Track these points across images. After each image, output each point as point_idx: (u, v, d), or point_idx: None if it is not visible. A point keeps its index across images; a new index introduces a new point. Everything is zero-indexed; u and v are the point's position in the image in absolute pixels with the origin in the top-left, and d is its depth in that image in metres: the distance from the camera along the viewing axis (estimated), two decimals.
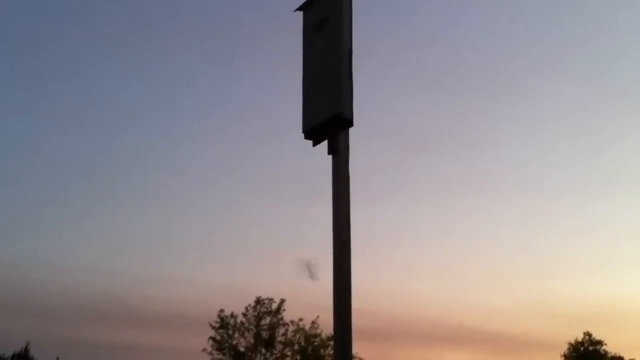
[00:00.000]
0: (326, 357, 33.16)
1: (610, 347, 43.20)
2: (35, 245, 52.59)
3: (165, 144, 57.86)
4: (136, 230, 53.96)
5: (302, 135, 4.59)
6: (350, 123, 4.34)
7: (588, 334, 43.61)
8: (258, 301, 34.33)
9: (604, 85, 59.77)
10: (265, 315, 34.23)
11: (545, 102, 60.83)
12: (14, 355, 37.69)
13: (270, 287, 38.73)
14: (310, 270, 4.36)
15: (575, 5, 61.02)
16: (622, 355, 43.16)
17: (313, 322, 34.24)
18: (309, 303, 38.31)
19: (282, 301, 34.29)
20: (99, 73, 60.48)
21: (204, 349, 33.95)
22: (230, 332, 34.11)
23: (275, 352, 33.95)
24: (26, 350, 36.33)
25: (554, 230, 57.47)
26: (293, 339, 34.28)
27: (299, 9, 4.82)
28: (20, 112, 57.72)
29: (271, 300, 34.32)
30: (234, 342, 33.89)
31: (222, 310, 34.30)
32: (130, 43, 59.04)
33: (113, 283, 47.67)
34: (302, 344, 34.03)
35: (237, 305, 34.62)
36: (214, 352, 33.78)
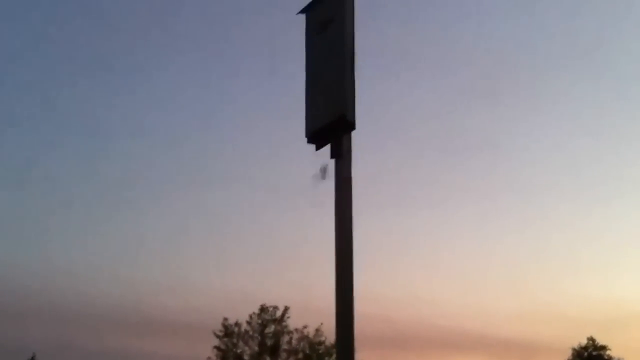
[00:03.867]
0: None
1: (615, 352, 42.95)
2: (44, 251, 52.58)
3: (167, 149, 57.74)
4: (138, 237, 53.84)
5: (305, 139, 4.54)
6: (352, 126, 4.29)
7: (592, 339, 43.39)
8: (262, 309, 34.24)
9: (619, 87, 59.39)
10: (270, 323, 34.12)
11: (558, 104, 60.33)
12: None
13: (274, 294, 38.55)
14: (323, 172, 4.26)
15: (582, 7, 60.63)
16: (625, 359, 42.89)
17: (317, 330, 34.13)
18: (313, 310, 38.18)
19: (287, 308, 34.21)
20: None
21: (209, 358, 33.87)
22: (235, 340, 34.01)
23: None
24: None
25: (564, 234, 57.01)
26: (297, 346, 34.17)
27: (302, 11, 4.77)
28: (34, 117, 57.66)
29: (275, 307, 34.24)
30: (239, 350, 33.79)
31: (226, 319, 34.23)
32: (130, 46, 58.87)
33: (114, 290, 47.48)
34: (307, 351, 33.91)
35: (242, 312, 34.53)
36: None
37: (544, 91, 59.14)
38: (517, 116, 58.18)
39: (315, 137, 4.46)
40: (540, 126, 58.83)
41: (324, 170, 4.34)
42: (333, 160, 4.33)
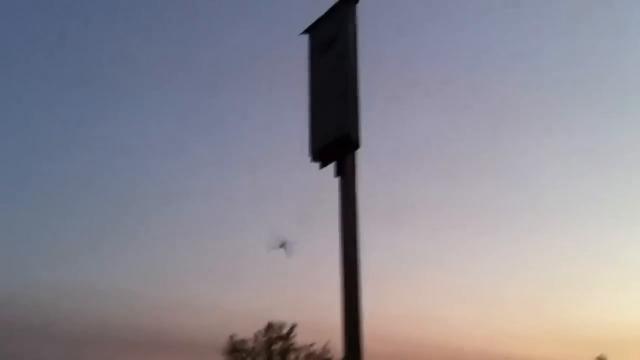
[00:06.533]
0: None
1: None
2: (47, 268, 52.71)
3: (165, 161, 57.79)
4: (145, 255, 53.90)
5: (310, 157, 4.56)
6: (357, 145, 4.30)
7: (601, 359, 43.44)
8: (269, 326, 34.21)
9: (634, 114, 59.47)
10: (276, 340, 34.06)
11: (573, 128, 60.23)
12: None
13: (281, 312, 38.51)
14: (285, 246, 4.33)
15: (606, 36, 60.61)
16: None
17: (324, 347, 34.05)
18: (320, 327, 38.09)
19: (294, 326, 34.17)
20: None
21: None
22: (242, 357, 33.96)
23: None
24: None
25: (580, 256, 57.01)
26: None
27: (305, 32, 4.81)
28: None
29: (282, 325, 34.20)
30: None
31: (233, 336, 34.20)
32: (134, 69, 59.14)
33: (122, 308, 47.54)
34: None
35: (249, 329, 34.49)
36: None
37: (561, 117, 59.05)
38: (536, 140, 57.97)
39: (319, 155, 4.48)
40: (558, 150, 58.74)
41: (284, 245, 4.41)
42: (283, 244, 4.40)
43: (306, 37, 4.81)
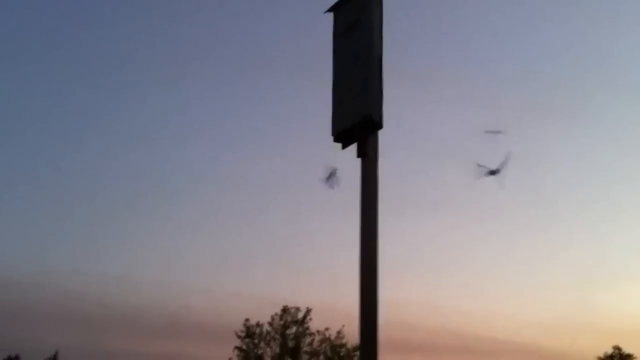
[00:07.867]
0: None
1: None
2: (73, 254, 53.36)
3: (182, 148, 58.05)
4: (162, 240, 54.33)
5: (332, 138, 4.51)
6: (379, 126, 4.25)
7: (618, 348, 43.23)
8: (284, 310, 34.32)
9: None
10: (292, 324, 34.18)
11: (606, 118, 59.67)
12: None
13: (297, 296, 38.66)
14: (331, 177, 4.26)
15: (631, 28, 59.75)
16: None
17: (339, 332, 34.14)
18: (335, 312, 38.19)
19: (309, 310, 34.25)
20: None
21: (230, 359, 34.03)
22: (256, 341, 34.11)
23: None
24: (54, 358, 36.60)
25: (596, 244, 56.71)
26: (319, 348, 34.19)
27: (330, 10, 4.74)
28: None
29: (297, 309, 34.29)
30: (260, 351, 33.88)
31: (247, 320, 34.35)
32: (166, 59, 59.44)
33: (141, 292, 48.00)
34: (328, 354, 33.94)
35: (264, 313, 34.65)
36: None
37: (593, 104, 58.49)
38: (561, 131, 57.37)
39: (342, 136, 4.43)
40: (584, 142, 58.15)
41: (332, 175, 4.34)
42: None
43: (330, 20, 4.74)
